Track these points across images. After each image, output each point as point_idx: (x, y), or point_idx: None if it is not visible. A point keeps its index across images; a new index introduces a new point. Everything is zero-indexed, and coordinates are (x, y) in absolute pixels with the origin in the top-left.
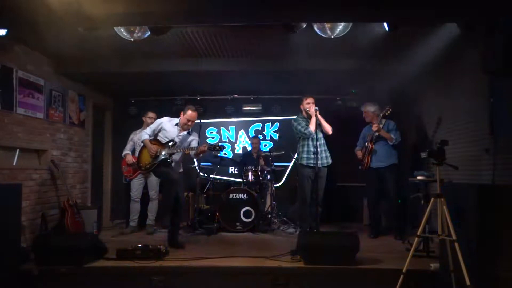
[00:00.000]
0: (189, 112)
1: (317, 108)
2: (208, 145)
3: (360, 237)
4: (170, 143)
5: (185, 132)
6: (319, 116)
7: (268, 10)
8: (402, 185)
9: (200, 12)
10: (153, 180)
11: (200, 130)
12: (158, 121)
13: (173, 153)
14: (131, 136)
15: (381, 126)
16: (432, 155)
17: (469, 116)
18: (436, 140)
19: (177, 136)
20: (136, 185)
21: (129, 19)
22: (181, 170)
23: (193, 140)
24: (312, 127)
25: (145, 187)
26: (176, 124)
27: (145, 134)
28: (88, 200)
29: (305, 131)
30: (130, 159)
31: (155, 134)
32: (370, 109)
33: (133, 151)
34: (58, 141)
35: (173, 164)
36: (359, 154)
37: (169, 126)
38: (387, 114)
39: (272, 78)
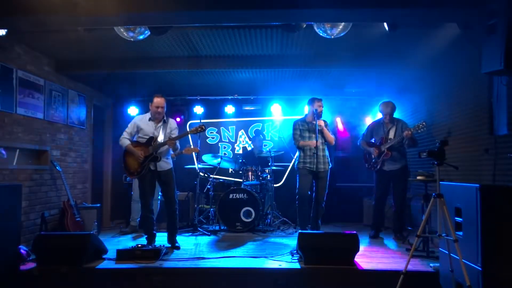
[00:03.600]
0: (155, 99)
1: (326, 121)
2: (189, 130)
3: (360, 237)
4: (152, 140)
5: (160, 124)
6: (325, 129)
7: (268, 10)
8: None
9: (200, 12)
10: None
11: None
12: (131, 122)
13: (158, 149)
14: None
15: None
16: (432, 155)
17: (469, 116)
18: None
19: (155, 130)
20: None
21: (129, 19)
22: (171, 166)
23: (174, 130)
24: (308, 143)
25: None
26: (150, 119)
27: (124, 139)
28: (88, 200)
29: (296, 143)
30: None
31: (133, 136)
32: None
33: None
34: (58, 141)
35: (161, 158)
36: (376, 152)
37: (143, 124)
38: (419, 131)
39: (273, 77)
